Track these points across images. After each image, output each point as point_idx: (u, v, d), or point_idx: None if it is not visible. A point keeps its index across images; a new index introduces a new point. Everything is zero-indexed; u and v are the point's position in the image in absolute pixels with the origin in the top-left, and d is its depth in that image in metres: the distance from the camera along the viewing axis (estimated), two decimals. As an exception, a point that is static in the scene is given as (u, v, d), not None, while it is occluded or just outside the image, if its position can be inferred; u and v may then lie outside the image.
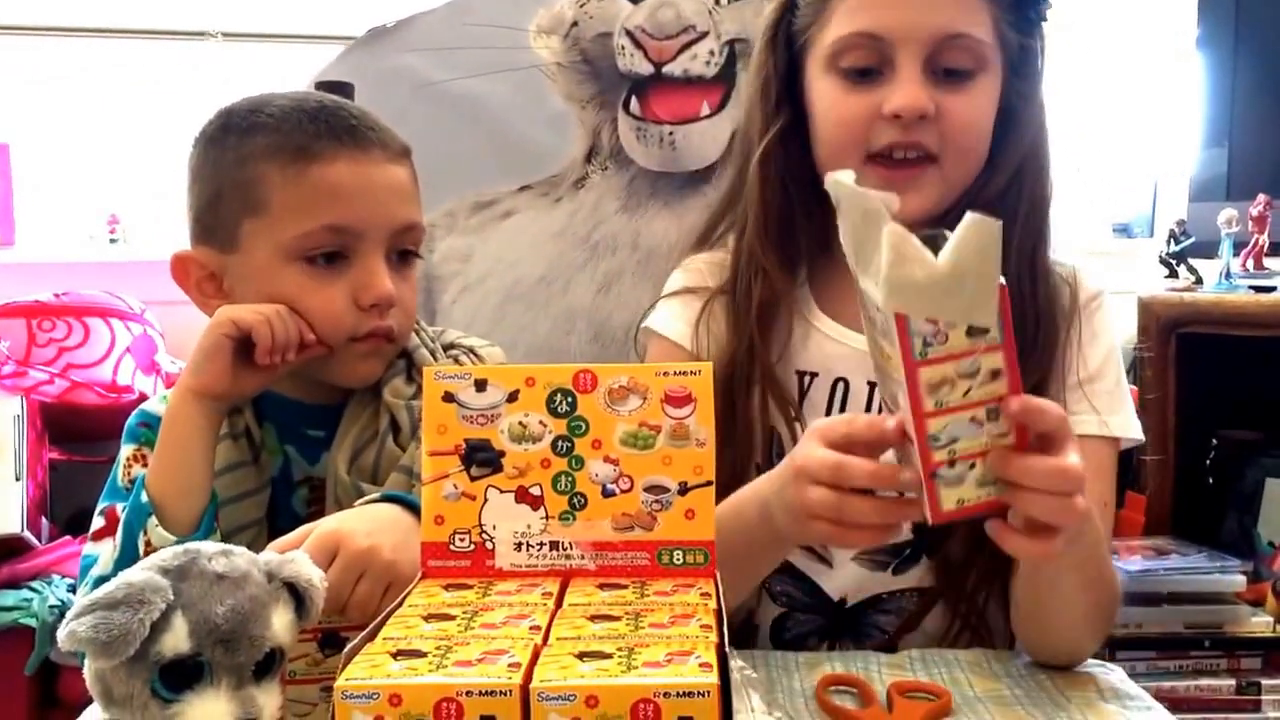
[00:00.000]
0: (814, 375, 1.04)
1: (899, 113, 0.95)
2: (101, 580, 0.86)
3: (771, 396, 1.03)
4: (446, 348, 1.06)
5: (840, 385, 1.04)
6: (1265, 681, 1.49)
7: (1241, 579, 1.51)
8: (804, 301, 1.07)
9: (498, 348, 1.09)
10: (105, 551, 0.91)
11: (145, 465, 0.94)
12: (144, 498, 0.89)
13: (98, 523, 0.96)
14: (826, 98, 1.00)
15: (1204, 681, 1.49)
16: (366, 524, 0.80)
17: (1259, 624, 1.51)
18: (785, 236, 1.05)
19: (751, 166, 1.05)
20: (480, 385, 0.74)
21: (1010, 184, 1.00)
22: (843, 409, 1.03)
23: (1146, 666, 1.49)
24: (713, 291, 1.08)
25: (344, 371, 0.97)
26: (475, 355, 1.06)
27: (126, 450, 0.99)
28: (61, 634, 0.61)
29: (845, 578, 1.05)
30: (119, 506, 0.93)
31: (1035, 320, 0.99)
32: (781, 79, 1.04)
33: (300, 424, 0.99)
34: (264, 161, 0.94)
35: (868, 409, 1.03)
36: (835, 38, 0.98)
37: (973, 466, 0.71)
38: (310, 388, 0.99)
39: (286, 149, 0.93)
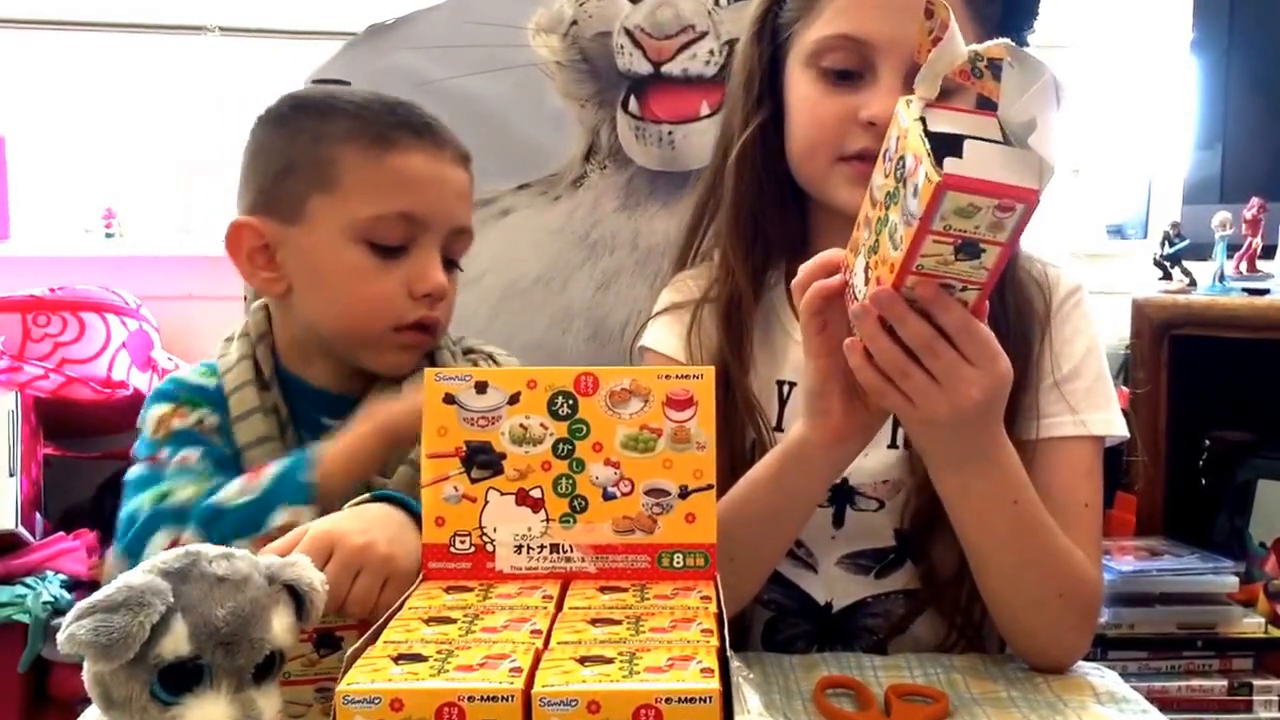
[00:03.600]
0: (793, 385, 1.05)
1: (875, 121, 0.94)
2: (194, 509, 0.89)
3: (741, 403, 1.03)
4: (466, 352, 1.07)
5: None
6: (1257, 682, 1.50)
7: (1234, 580, 1.52)
8: (780, 309, 1.07)
9: (515, 358, 1.10)
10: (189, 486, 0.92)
11: (183, 420, 0.97)
12: (310, 478, 0.89)
13: (140, 467, 0.97)
14: (804, 95, 1.00)
15: (1196, 682, 1.50)
16: (359, 522, 0.81)
17: (1251, 625, 1.52)
18: (756, 235, 1.05)
19: (729, 163, 1.06)
20: (481, 387, 0.74)
21: None
22: None
23: (1139, 667, 1.50)
24: (699, 301, 1.08)
25: (379, 359, 0.99)
26: (494, 361, 1.08)
27: (161, 409, 0.99)
28: (61, 637, 0.61)
29: (829, 582, 1.05)
30: (164, 453, 0.95)
31: (1005, 326, 0.98)
32: (765, 72, 1.04)
33: (318, 411, 1.00)
34: (342, 143, 0.96)
35: None
36: (820, 36, 0.98)
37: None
38: (335, 375, 1.01)
39: (366, 134, 0.96)
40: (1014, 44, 0.71)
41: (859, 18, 0.96)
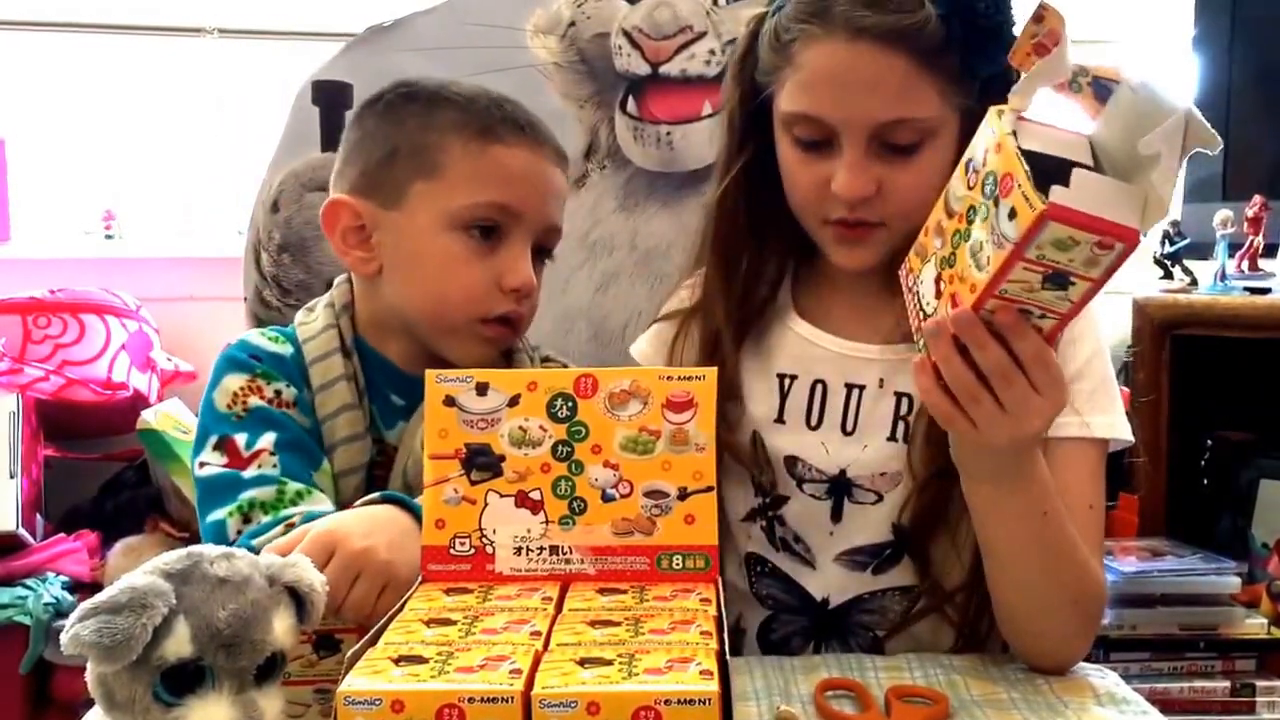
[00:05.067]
0: (794, 377, 1.06)
1: (841, 198, 0.95)
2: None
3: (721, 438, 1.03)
4: (544, 360, 1.10)
5: (819, 386, 1.05)
6: (1260, 683, 1.50)
7: (1236, 581, 1.51)
8: (785, 307, 1.08)
9: None
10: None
11: (261, 396, 0.96)
12: None
13: (215, 456, 0.95)
14: (784, 157, 1.00)
15: (1198, 684, 1.50)
16: (364, 525, 0.81)
17: (1253, 626, 1.52)
18: (741, 271, 1.06)
19: (710, 204, 1.06)
20: (481, 389, 0.74)
21: None
22: (822, 409, 1.04)
23: (1141, 668, 1.50)
24: (688, 311, 1.09)
25: (459, 348, 1.00)
26: None
27: (236, 380, 0.97)
28: (65, 637, 0.61)
29: (827, 578, 1.05)
30: (240, 439, 0.94)
31: None
32: (748, 114, 1.04)
33: (388, 387, 1.02)
34: (449, 132, 0.99)
35: (844, 410, 1.04)
36: (785, 110, 0.98)
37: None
38: (410, 356, 1.02)
39: (472, 125, 0.99)
40: (1143, 74, 0.68)
41: (814, 99, 0.95)
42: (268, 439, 0.94)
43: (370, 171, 1.00)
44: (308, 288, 1.50)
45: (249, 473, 0.93)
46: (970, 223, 0.73)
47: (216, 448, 0.95)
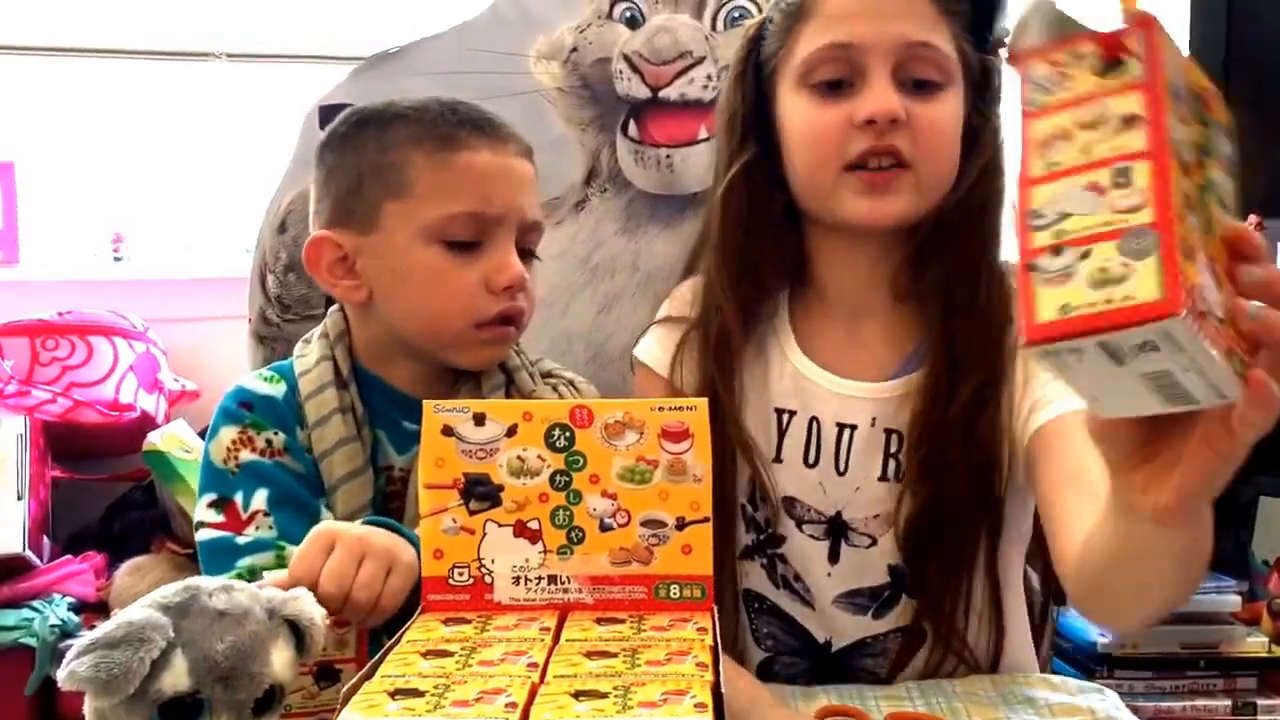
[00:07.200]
0: (792, 413, 1.05)
1: (873, 117, 0.95)
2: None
3: (735, 440, 1.03)
4: (545, 375, 1.09)
5: (814, 424, 1.04)
6: (1261, 701, 1.50)
7: (1237, 599, 1.52)
8: (784, 337, 1.07)
9: (593, 386, 1.11)
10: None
11: (252, 448, 0.96)
12: None
13: (212, 515, 0.95)
14: (799, 114, 1.00)
15: (1200, 701, 1.50)
16: (356, 527, 0.83)
17: (1254, 644, 1.52)
18: (744, 271, 1.05)
19: (714, 200, 1.06)
20: (479, 419, 0.75)
21: (967, 193, 1.01)
22: (819, 448, 1.03)
23: (1145, 686, 1.51)
24: (691, 323, 1.08)
25: (463, 356, 1.00)
26: (574, 387, 1.09)
27: (229, 433, 0.97)
28: (62, 674, 0.61)
29: (828, 620, 1.04)
30: (236, 499, 0.94)
31: (980, 320, 0.99)
32: (749, 111, 1.05)
33: (396, 412, 1.01)
34: (409, 148, 0.97)
35: (836, 450, 1.03)
36: (806, 54, 0.99)
37: (1086, 255, 0.51)
38: (415, 378, 1.02)
39: (431, 136, 0.98)
40: None
41: (841, 26, 0.97)
42: (261, 497, 0.94)
43: (342, 201, 1.00)
44: (307, 301, 1.51)
45: (245, 537, 0.93)
46: (1205, 168, 0.56)
47: (213, 505, 0.95)
